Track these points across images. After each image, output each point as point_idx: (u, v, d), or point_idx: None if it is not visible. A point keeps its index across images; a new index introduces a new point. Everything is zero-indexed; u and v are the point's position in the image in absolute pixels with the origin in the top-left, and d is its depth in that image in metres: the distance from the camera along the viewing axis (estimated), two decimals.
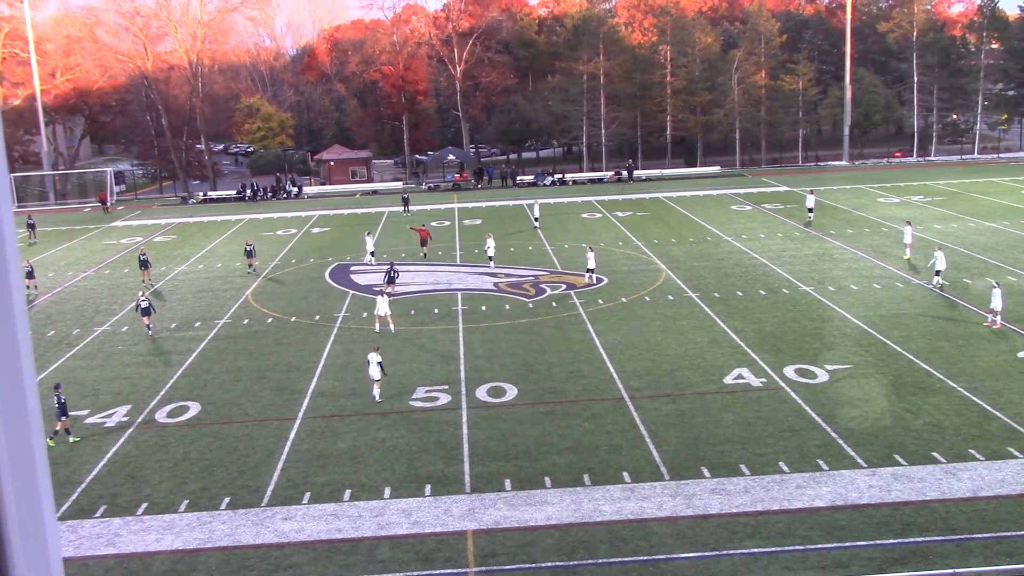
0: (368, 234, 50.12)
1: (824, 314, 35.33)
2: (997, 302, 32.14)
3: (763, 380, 28.32)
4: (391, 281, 40.85)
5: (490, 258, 45.63)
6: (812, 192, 57.73)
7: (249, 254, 47.39)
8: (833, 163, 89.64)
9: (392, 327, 34.85)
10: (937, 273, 38.05)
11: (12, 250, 1.17)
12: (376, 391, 28.03)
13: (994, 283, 33.13)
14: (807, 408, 25.95)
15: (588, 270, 42.10)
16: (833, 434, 24.13)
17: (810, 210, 55.40)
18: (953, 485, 21.16)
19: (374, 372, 27.87)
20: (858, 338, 32.18)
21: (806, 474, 22.00)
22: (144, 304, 36.16)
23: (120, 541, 20.30)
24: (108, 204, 77.11)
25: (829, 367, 29.19)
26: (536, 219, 58.21)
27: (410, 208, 66.11)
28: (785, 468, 22.33)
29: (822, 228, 52.76)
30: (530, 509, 20.91)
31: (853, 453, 22.95)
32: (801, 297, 37.81)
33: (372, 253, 48.50)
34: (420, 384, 29.20)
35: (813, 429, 24.53)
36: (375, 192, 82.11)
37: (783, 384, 27.89)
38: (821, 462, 22.56)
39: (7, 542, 1.11)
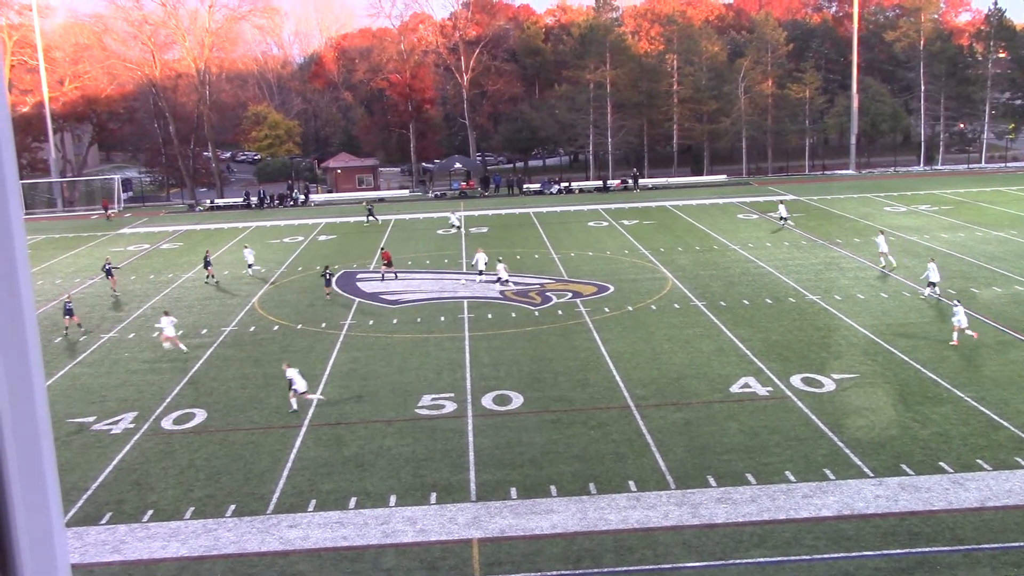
0: (246, 247, 50.46)
1: (831, 323, 35.26)
2: (962, 319, 31.39)
3: (769, 389, 28.26)
4: (328, 283, 42.19)
5: (480, 272, 44.43)
6: (783, 202, 59.75)
7: (207, 264, 47.61)
8: (840, 172, 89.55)
9: (183, 346, 34.45)
10: (930, 284, 37.59)
11: (22, 257, 1.17)
12: (294, 401, 27.85)
13: (955, 301, 32.57)
14: (814, 417, 25.89)
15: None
16: (840, 443, 24.06)
17: (782, 218, 57.02)
18: (960, 495, 21.08)
19: (300, 385, 27.65)
20: (865, 347, 32.11)
21: (812, 483, 21.93)
22: (69, 305, 37.99)
23: (126, 548, 20.30)
24: (109, 212, 77.26)
25: (836, 376, 29.13)
26: (455, 224, 60.22)
27: (374, 217, 66.07)
28: (791, 477, 22.27)
29: (828, 237, 52.70)
30: (535, 518, 20.87)
31: (860, 463, 22.88)
32: (808, 306, 37.75)
33: (251, 265, 48.40)
34: (426, 392, 29.20)
35: (820, 438, 24.47)
36: (382, 200, 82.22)
37: (789, 393, 27.83)
38: (828, 471, 22.49)
39: (16, 549, 1.12)
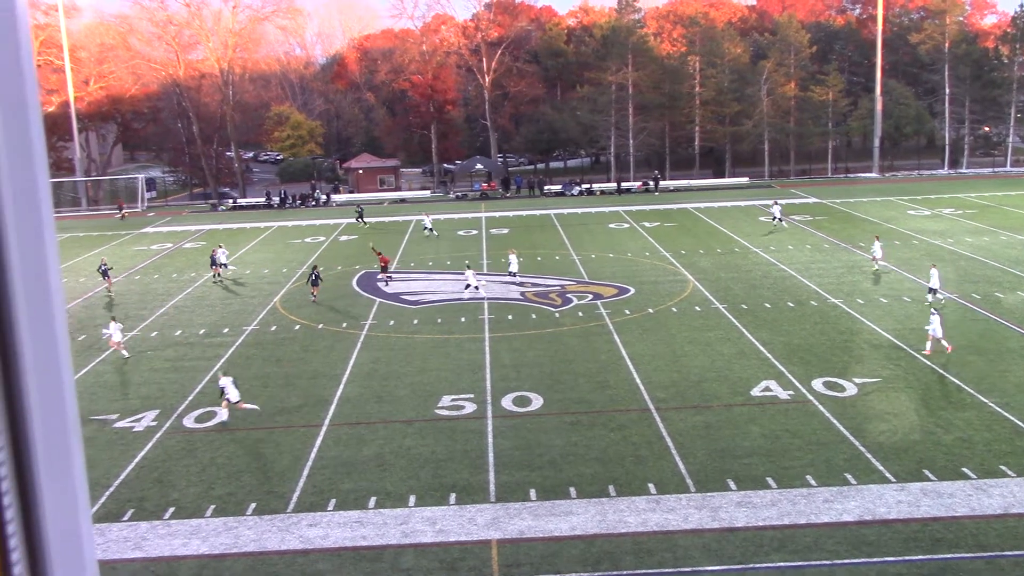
0: (219, 246, 50.84)
1: (853, 327, 35.05)
2: (938, 328, 30.81)
3: (791, 393, 28.13)
4: (315, 283, 42.33)
5: (512, 273, 44.45)
6: (777, 203, 59.98)
7: (213, 262, 48.09)
8: (863, 175, 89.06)
9: (125, 352, 34.40)
10: (931, 291, 37.05)
11: (53, 254, 1.18)
12: (225, 412, 27.46)
13: (933, 310, 32.10)
14: (835, 421, 25.74)
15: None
16: (861, 448, 23.91)
17: (777, 219, 57.44)
18: (983, 501, 20.90)
19: (233, 394, 27.32)
20: (887, 351, 31.90)
21: (834, 488, 21.81)
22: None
23: (147, 545, 20.43)
24: (123, 212, 77.81)
25: (858, 380, 28.95)
26: (427, 227, 60.17)
27: (365, 220, 66.11)
28: (812, 482, 22.15)
29: (851, 240, 52.40)
30: (555, 519, 20.85)
31: (882, 467, 22.73)
32: (830, 309, 37.54)
33: (225, 265, 48.73)
34: (446, 392, 29.24)
35: (841, 443, 24.32)
36: (403, 201, 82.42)
37: (811, 397, 27.68)
38: (849, 476, 22.36)
39: (45, 545, 1.13)
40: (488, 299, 41.40)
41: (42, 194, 1.17)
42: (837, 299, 39.09)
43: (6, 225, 1.09)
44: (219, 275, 47.68)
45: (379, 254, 46.41)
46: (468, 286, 41.73)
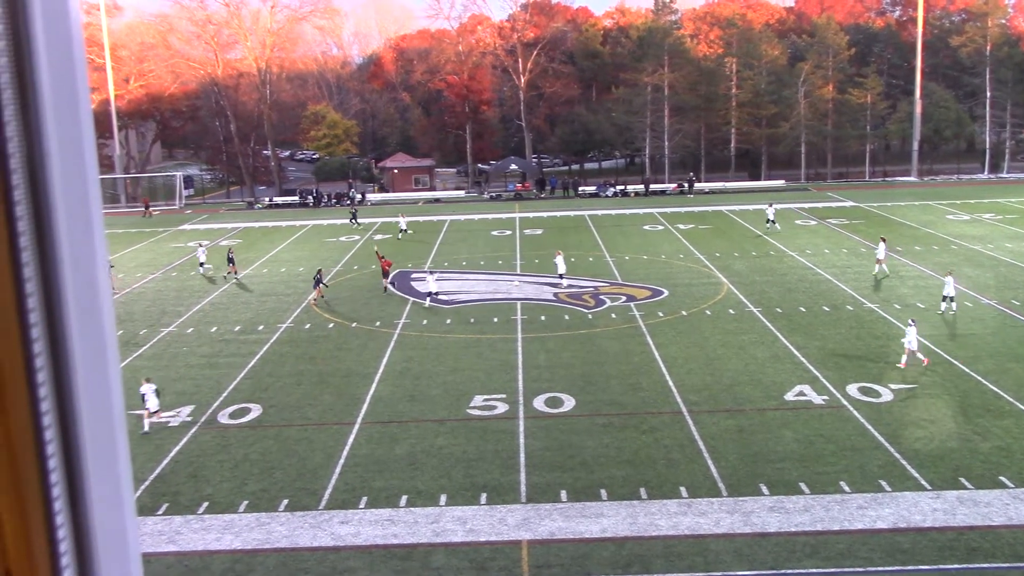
0: (201, 245, 51.55)
1: (889, 332, 34.68)
2: (912, 340, 30.06)
3: (825, 398, 27.89)
4: (316, 286, 42.45)
5: (560, 276, 43.78)
6: (771, 204, 60.54)
7: (230, 260, 48.69)
8: (901, 179, 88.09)
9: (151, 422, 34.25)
10: (945, 299, 36.40)
11: (101, 249, 1.21)
12: (147, 423, 26.84)
13: (910, 320, 31.41)
14: (870, 427, 25.49)
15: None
16: (896, 455, 23.66)
17: (770, 221, 57.86)
18: (1021, 511, 20.60)
19: (152, 403, 26.76)
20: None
21: (868, 495, 21.60)
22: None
23: (181, 539, 20.64)
24: (150, 210, 78.60)
25: (893, 386, 28.65)
26: (403, 228, 60.55)
27: (358, 221, 66.17)
28: (846, 488, 21.95)
29: (889, 245, 51.83)
30: (585, 521, 20.82)
31: (917, 475, 22.48)
32: (866, 314, 37.17)
33: (202, 264, 49.59)
34: (478, 392, 29.28)
35: (876, 449, 24.08)
36: (437, 200, 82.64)
37: (845, 402, 27.43)
38: (884, 483, 22.13)
39: (91, 539, 1.15)
40: (521, 299, 41.39)
41: (92, 192, 1.19)
42: (873, 304, 38.69)
43: (58, 222, 1.12)
44: (234, 273, 48.21)
45: (381, 258, 45.47)
46: (429, 293, 40.73)
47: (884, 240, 45.78)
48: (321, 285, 42.61)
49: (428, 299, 40.68)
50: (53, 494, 1.11)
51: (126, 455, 1.25)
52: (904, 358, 30.30)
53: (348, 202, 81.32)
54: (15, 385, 1.06)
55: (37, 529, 1.09)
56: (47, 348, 1.10)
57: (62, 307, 1.12)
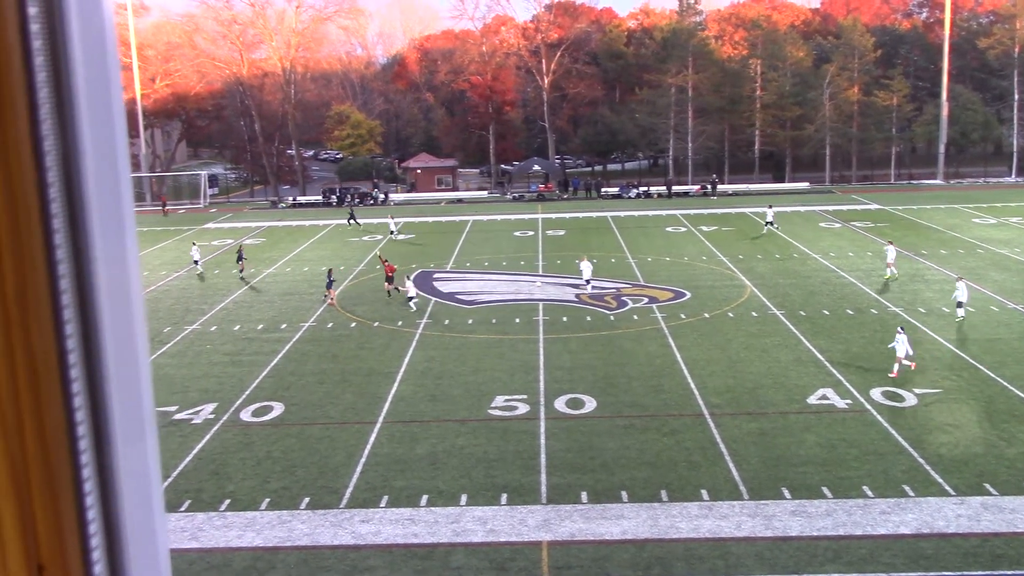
0: (194, 244, 52.42)
1: (914, 336, 34.37)
2: (902, 349, 29.52)
3: (848, 401, 27.72)
4: (328, 287, 42.24)
5: (587, 281, 42.91)
6: (771, 207, 60.69)
7: (240, 257, 49.49)
8: (927, 181, 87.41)
9: None
10: (959, 305, 35.90)
11: (133, 246, 1.22)
12: None
13: (900, 328, 30.90)
14: (893, 432, 25.31)
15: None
16: (920, 460, 23.48)
17: (769, 223, 58.03)
18: None
19: None
20: (949, 362, 31.28)
21: (891, 499, 21.45)
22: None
23: (203, 536, 20.77)
24: (166, 209, 79.15)
25: (918, 391, 28.43)
26: (392, 230, 60.43)
27: (357, 220, 66.22)
28: (869, 492, 21.81)
29: (914, 248, 51.48)
30: (606, 523, 20.79)
31: (941, 480, 22.30)
32: (890, 318, 36.90)
33: (196, 261, 50.42)
34: (499, 393, 29.29)
35: (899, 454, 23.91)
36: (460, 201, 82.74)
37: (869, 406, 27.25)
38: (907, 488, 21.97)
39: (122, 534, 1.16)
40: (542, 300, 41.38)
41: (124, 190, 1.20)
42: (898, 307, 38.42)
43: (91, 220, 1.13)
44: (243, 269, 48.87)
45: (385, 262, 44.25)
46: (410, 298, 40.22)
47: (892, 243, 45.66)
48: (331, 286, 42.59)
49: (411, 303, 40.11)
50: (85, 490, 1.12)
51: (155, 453, 1.26)
52: (896, 367, 29.83)
53: (371, 202, 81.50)
54: (49, 383, 1.07)
55: (69, 526, 1.10)
56: (80, 345, 1.11)
57: (95, 304, 1.13)
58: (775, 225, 58.22)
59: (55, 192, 1.09)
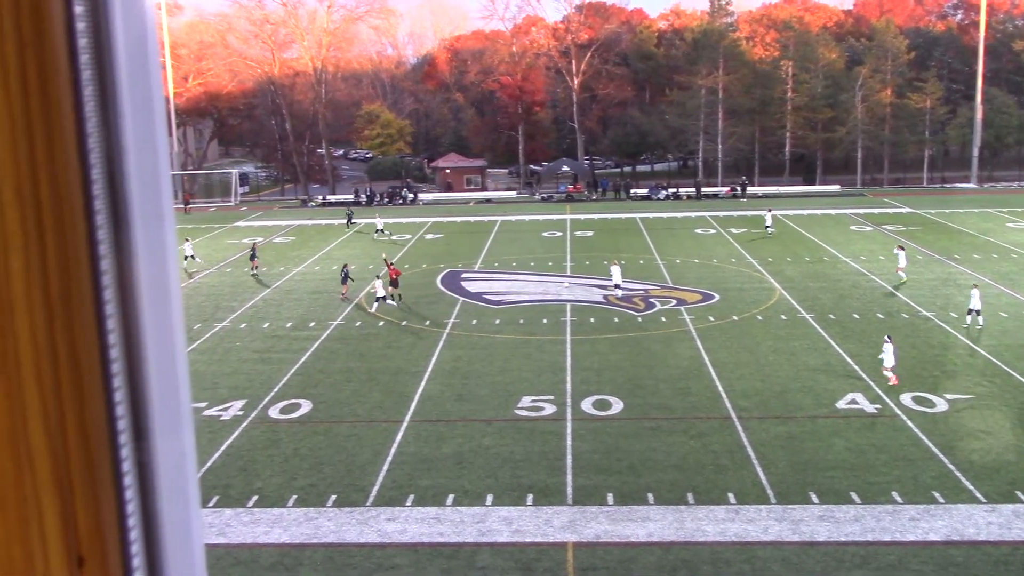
0: (187, 240, 53.71)
1: (945, 341, 34.09)
2: (889, 359, 29.09)
3: (878, 406, 27.49)
4: (343, 282, 42.72)
5: (617, 286, 42.24)
6: (770, 211, 61.24)
7: (253, 255, 49.95)
8: (960, 185, 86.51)
9: None
10: (972, 312, 35.22)
11: (172, 242, 1.23)
12: None
13: (886, 337, 30.34)
14: (924, 438, 25.07)
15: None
16: (951, 466, 23.24)
17: (768, 226, 58.27)
18: None
19: None
20: (981, 368, 30.94)
21: (920, 506, 21.25)
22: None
23: (230, 531, 20.92)
24: (188, 207, 79.77)
25: (949, 396, 28.14)
26: (379, 229, 60.77)
27: (354, 221, 66.13)
28: (898, 498, 21.62)
29: (946, 252, 50.97)
30: (632, 525, 20.74)
31: (972, 487, 22.06)
32: (921, 323, 36.56)
33: (193, 257, 51.24)
34: (526, 393, 29.29)
35: (929, 460, 23.68)
36: (489, 201, 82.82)
37: (899, 412, 27.01)
38: (937, 494, 21.76)
39: (159, 528, 1.17)
40: (570, 301, 41.33)
41: (164, 187, 1.22)
42: (929, 312, 38.04)
43: (133, 216, 1.14)
44: (256, 268, 49.18)
45: (389, 266, 42.86)
46: (380, 298, 39.94)
47: (903, 248, 45.48)
48: (349, 281, 42.98)
49: (376, 303, 39.98)
50: (125, 483, 1.13)
51: (192, 447, 1.27)
52: (892, 376, 29.37)
53: (400, 201, 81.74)
54: (91, 377, 1.09)
55: (109, 519, 1.12)
56: (121, 341, 1.12)
57: (136, 300, 1.15)
58: (771, 229, 58.35)
59: (98, 189, 1.10)
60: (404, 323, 38.31)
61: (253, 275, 48.59)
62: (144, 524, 1.16)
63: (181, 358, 1.24)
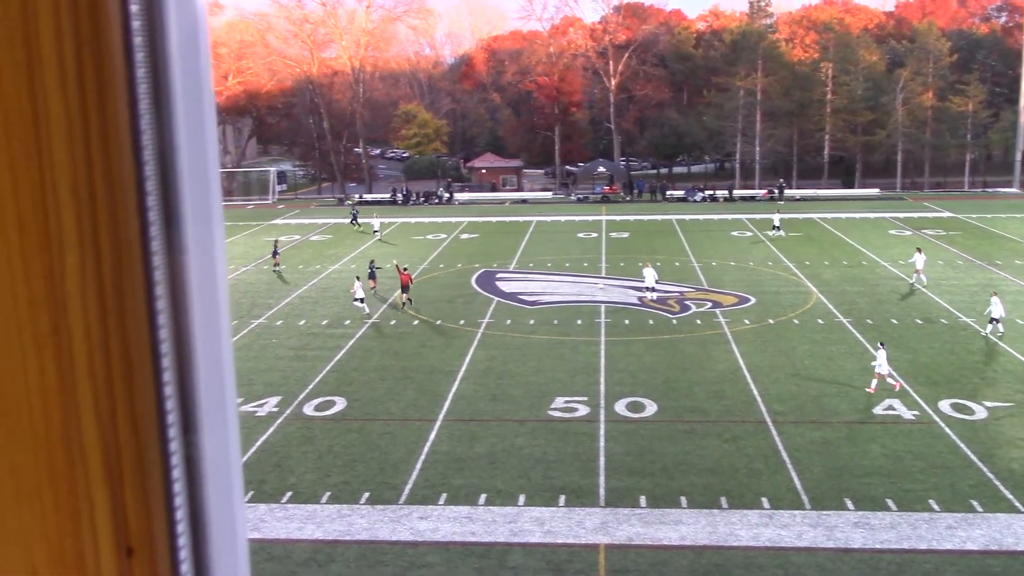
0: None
1: (985, 348, 33.62)
2: (883, 366, 28.61)
3: (915, 413, 27.17)
4: (372, 277, 43.39)
5: (651, 288, 41.76)
6: (779, 212, 62.14)
7: (275, 252, 50.29)
8: (1002, 190, 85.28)
9: None
10: (992, 320, 34.51)
11: (220, 238, 1.25)
12: None
13: (880, 343, 29.82)
14: (962, 445, 24.75)
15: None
16: (990, 474, 22.93)
17: (776, 227, 58.97)
18: None
19: None
20: (1022, 375, 30.48)
21: (958, 514, 20.98)
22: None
23: (264, 527, 21.08)
24: (225, 204, 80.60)
25: (989, 404, 27.76)
26: (376, 229, 60.88)
27: (358, 221, 66.12)
28: (935, 506, 21.36)
29: (987, 258, 50.27)
30: (664, 528, 20.66)
31: (1011, 496, 21.75)
32: (961, 329, 36.09)
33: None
34: (560, 394, 29.27)
35: (968, 468, 23.37)
36: (524, 201, 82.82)
37: (937, 418, 26.69)
38: (975, 503, 21.47)
39: (206, 521, 1.19)
40: (605, 302, 41.24)
41: (213, 183, 1.23)
42: (969, 318, 37.53)
43: (184, 212, 1.16)
44: (277, 264, 49.65)
45: (402, 272, 41.41)
46: (356, 298, 39.79)
47: (920, 251, 45.10)
48: (376, 279, 43.66)
49: (355, 302, 40.01)
50: (173, 476, 1.15)
51: (236, 441, 1.29)
52: (874, 382, 28.94)
53: (436, 201, 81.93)
54: (142, 370, 1.11)
55: (158, 510, 1.13)
56: (171, 335, 1.14)
57: (185, 295, 1.16)
58: (780, 230, 58.58)
59: (151, 186, 1.12)
60: (438, 322, 38.35)
61: (275, 271, 49.09)
62: (191, 517, 1.18)
63: (228, 355, 1.26)
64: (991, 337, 34.40)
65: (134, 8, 1.08)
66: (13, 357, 1.09)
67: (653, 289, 42.07)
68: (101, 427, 1.10)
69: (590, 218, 69.18)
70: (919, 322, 37.11)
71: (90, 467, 1.11)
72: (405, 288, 40.80)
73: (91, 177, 1.07)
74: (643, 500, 21.97)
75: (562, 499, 22.13)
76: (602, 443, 25.36)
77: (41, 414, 1.10)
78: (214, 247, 1.23)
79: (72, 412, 1.10)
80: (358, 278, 41.48)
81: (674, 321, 37.98)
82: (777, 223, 59.24)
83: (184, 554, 1.17)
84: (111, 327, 1.09)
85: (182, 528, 1.16)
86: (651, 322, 37.82)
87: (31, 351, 1.09)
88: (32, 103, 1.06)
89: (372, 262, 45.09)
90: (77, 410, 1.10)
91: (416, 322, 38.56)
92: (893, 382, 29.07)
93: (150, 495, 1.13)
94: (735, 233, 60.74)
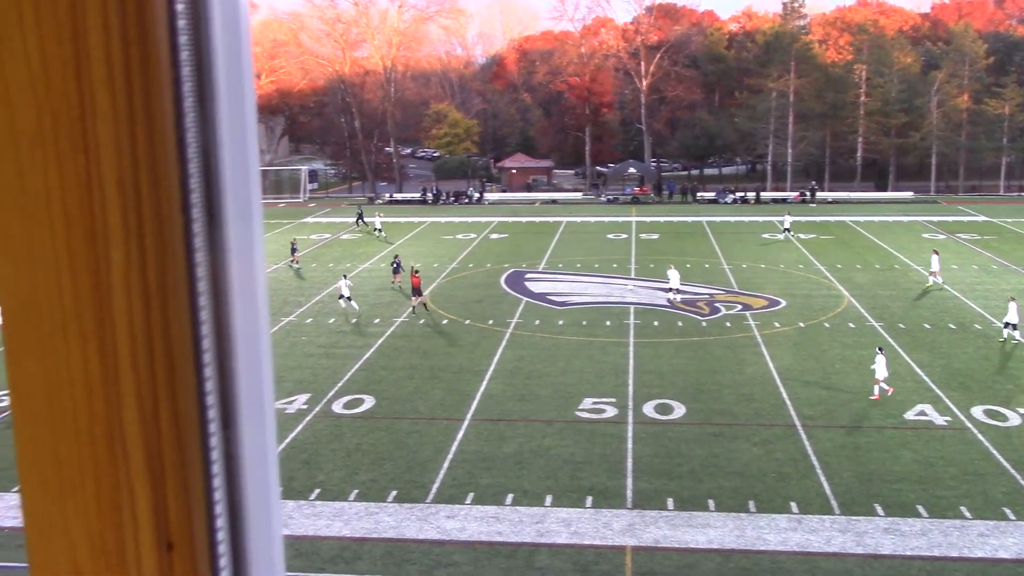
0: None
1: (1020, 354, 33.20)
2: (881, 370, 28.21)
3: (948, 419, 26.88)
4: (396, 271, 44.15)
5: (676, 290, 41.84)
6: (788, 214, 61.47)
7: (293, 250, 51.34)
8: None
9: None
10: (1007, 326, 34.12)
11: (259, 236, 1.26)
12: None
13: (879, 348, 29.33)
14: (995, 452, 24.46)
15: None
16: (1023, 482, 22.64)
17: (786, 229, 58.97)
18: None
19: None
20: None
21: (990, 522, 20.73)
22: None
23: (292, 523, 21.21)
24: None
25: (1022, 411, 27.42)
26: (377, 228, 61.25)
27: (364, 220, 66.03)
28: (967, 514, 21.12)
29: (1022, 262, 49.64)
30: (692, 531, 20.58)
31: None
32: (995, 334, 35.66)
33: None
34: (588, 395, 29.22)
35: (1001, 475, 23.10)
36: (554, 202, 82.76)
37: (969, 425, 26.39)
38: (1008, 511, 21.21)
39: (244, 517, 1.20)
40: (634, 304, 41.13)
41: (253, 180, 1.24)
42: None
43: (226, 209, 1.17)
44: (296, 262, 50.40)
45: (413, 274, 40.79)
46: (342, 296, 39.92)
47: (937, 253, 45.05)
48: (400, 273, 44.27)
49: (341, 301, 40.09)
50: (212, 471, 1.16)
51: (274, 438, 1.29)
52: (876, 389, 28.61)
53: (466, 200, 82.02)
54: (184, 367, 1.12)
55: (197, 506, 1.15)
56: (213, 332, 1.15)
57: (227, 293, 1.17)
58: (791, 232, 58.59)
59: (194, 184, 1.13)
60: (467, 322, 38.42)
61: (290, 264, 49.71)
62: (229, 512, 1.19)
63: (266, 351, 1.27)
64: (1008, 344, 33.92)
65: (180, 7, 1.10)
66: (58, 350, 1.11)
67: (678, 290, 41.99)
68: (143, 421, 1.12)
69: (620, 219, 69.02)
70: (952, 327, 36.72)
71: (132, 461, 1.12)
72: (417, 292, 40.28)
73: (136, 174, 1.09)
74: (671, 502, 21.90)
75: (589, 500, 22.09)
76: (630, 445, 25.30)
77: (85, 407, 1.11)
78: (254, 246, 1.24)
79: (115, 406, 1.11)
80: (344, 276, 41.84)
81: (704, 323, 37.81)
82: (787, 225, 59.16)
83: (223, 549, 1.18)
84: (154, 322, 1.11)
85: (221, 523, 1.17)
86: (680, 324, 37.67)
87: (76, 345, 1.11)
88: (80, 99, 1.07)
89: (396, 257, 45.56)
90: (120, 404, 1.11)
91: (445, 321, 38.63)
92: (886, 387, 28.66)
93: (190, 490, 1.14)
94: (766, 235, 60.38)
